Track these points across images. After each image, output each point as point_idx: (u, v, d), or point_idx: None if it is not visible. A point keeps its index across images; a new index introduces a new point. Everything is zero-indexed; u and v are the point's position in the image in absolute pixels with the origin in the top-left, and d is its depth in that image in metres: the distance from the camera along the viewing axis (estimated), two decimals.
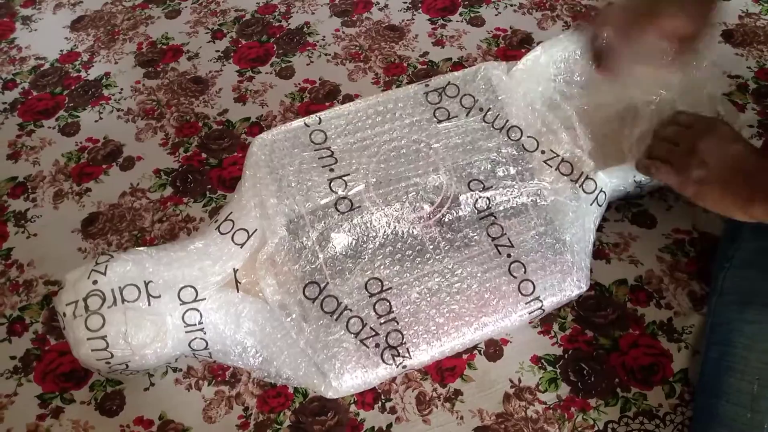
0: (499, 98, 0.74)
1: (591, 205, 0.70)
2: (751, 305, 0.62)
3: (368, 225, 0.68)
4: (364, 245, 0.68)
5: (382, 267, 0.67)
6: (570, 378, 0.68)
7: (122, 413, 0.69)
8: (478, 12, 1.09)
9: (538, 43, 1.00)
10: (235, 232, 0.67)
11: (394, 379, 0.69)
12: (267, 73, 1.02)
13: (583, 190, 0.70)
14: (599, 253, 0.77)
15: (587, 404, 0.66)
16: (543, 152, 0.72)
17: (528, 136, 0.73)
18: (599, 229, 0.78)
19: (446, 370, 0.70)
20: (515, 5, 1.09)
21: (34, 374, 0.72)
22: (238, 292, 0.66)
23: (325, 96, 0.98)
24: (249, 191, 0.69)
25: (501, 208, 0.70)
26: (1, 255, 0.83)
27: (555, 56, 0.77)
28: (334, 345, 0.64)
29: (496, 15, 1.08)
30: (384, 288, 0.67)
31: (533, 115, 0.74)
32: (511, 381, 0.68)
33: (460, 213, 0.70)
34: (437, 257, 0.68)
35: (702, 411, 0.62)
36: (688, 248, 0.77)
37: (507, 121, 0.73)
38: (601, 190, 0.70)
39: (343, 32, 1.08)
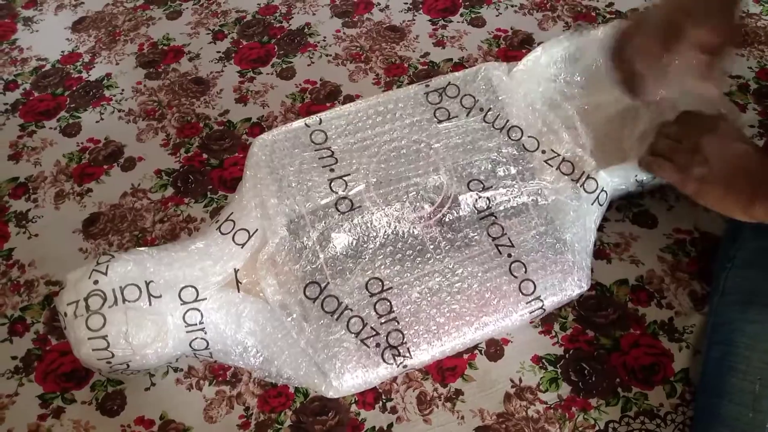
0: (500, 98, 0.74)
1: (592, 204, 0.70)
2: (753, 305, 0.62)
3: (369, 225, 0.68)
4: (365, 245, 0.68)
5: (382, 267, 0.67)
6: (571, 378, 0.68)
7: (123, 413, 0.69)
8: (479, 13, 1.09)
9: (538, 44, 1.00)
10: (235, 233, 0.67)
11: (395, 379, 0.69)
12: (268, 74, 1.02)
13: (584, 189, 0.70)
14: (600, 253, 0.77)
15: (588, 404, 0.66)
16: (543, 152, 0.72)
17: (528, 136, 0.73)
18: (600, 228, 0.78)
19: (447, 369, 0.70)
20: (516, 6, 1.09)
21: (35, 374, 0.72)
22: (239, 292, 0.66)
23: (326, 97, 0.98)
24: (250, 191, 0.69)
25: (501, 207, 0.70)
26: (2, 255, 0.83)
27: (555, 56, 0.77)
28: (335, 345, 0.64)
29: (497, 16, 1.08)
30: (384, 288, 0.67)
31: (534, 115, 0.74)
32: (511, 381, 0.68)
33: (461, 213, 0.70)
34: (438, 257, 0.68)
35: (703, 411, 0.62)
36: (689, 248, 0.77)
37: (507, 121, 0.73)
38: (602, 190, 0.70)
39: (344, 33, 1.08)
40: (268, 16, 1.12)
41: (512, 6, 1.09)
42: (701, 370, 0.65)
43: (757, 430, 0.56)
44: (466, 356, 0.70)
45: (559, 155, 0.72)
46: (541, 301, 0.67)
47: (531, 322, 0.72)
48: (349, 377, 0.64)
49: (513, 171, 0.72)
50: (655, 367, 0.68)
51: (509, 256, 0.69)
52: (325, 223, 0.68)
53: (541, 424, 0.65)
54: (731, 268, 0.67)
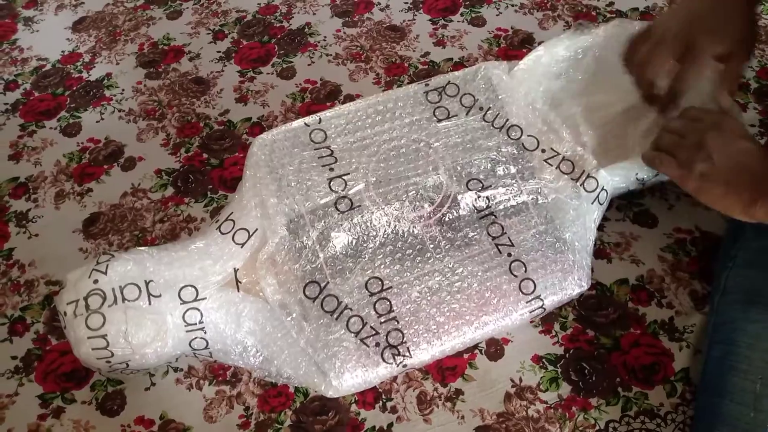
0: (500, 97, 0.74)
1: (592, 203, 0.70)
2: (755, 304, 0.62)
3: (368, 224, 0.68)
4: (365, 244, 0.68)
5: (382, 266, 0.67)
6: (571, 377, 0.68)
7: (123, 413, 0.69)
8: (479, 12, 1.09)
9: (539, 43, 1.00)
10: (235, 232, 0.67)
11: (395, 379, 0.69)
12: (268, 74, 1.02)
13: (584, 188, 0.70)
14: (600, 252, 0.77)
15: (588, 403, 0.66)
16: (543, 151, 0.72)
17: (528, 135, 0.73)
18: (600, 228, 0.78)
19: (447, 369, 0.70)
20: (516, 5, 1.09)
21: (35, 374, 0.72)
22: (238, 291, 0.66)
23: (326, 96, 0.98)
24: (249, 191, 0.69)
25: (501, 207, 0.70)
26: (2, 255, 0.83)
27: (558, 55, 0.77)
28: (335, 344, 0.64)
29: (497, 15, 1.08)
30: (384, 287, 0.67)
31: (534, 114, 0.74)
32: (512, 380, 0.68)
33: (461, 212, 0.70)
34: (437, 256, 0.68)
35: (704, 410, 0.62)
36: (690, 247, 0.77)
37: (507, 120, 0.73)
38: (602, 189, 0.70)
39: (344, 32, 1.08)
40: (268, 16, 1.12)
41: (512, 5, 1.09)
42: (702, 370, 0.65)
43: (759, 430, 0.56)
44: (466, 356, 0.70)
45: (559, 154, 0.72)
46: (541, 300, 0.67)
47: (531, 322, 0.72)
48: (349, 377, 0.64)
49: (513, 170, 0.71)
50: (655, 367, 0.68)
51: (509, 255, 0.69)
52: (324, 222, 0.68)
53: (541, 423, 0.65)
54: (733, 267, 0.67)
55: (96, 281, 0.62)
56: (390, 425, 0.66)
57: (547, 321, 0.72)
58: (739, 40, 0.67)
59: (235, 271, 0.67)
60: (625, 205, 0.81)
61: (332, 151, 0.71)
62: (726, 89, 0.71)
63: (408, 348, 0.65)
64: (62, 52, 1.10)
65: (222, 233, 0.68)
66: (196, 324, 0.64)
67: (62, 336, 0.73)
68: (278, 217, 0.68)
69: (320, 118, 0.73)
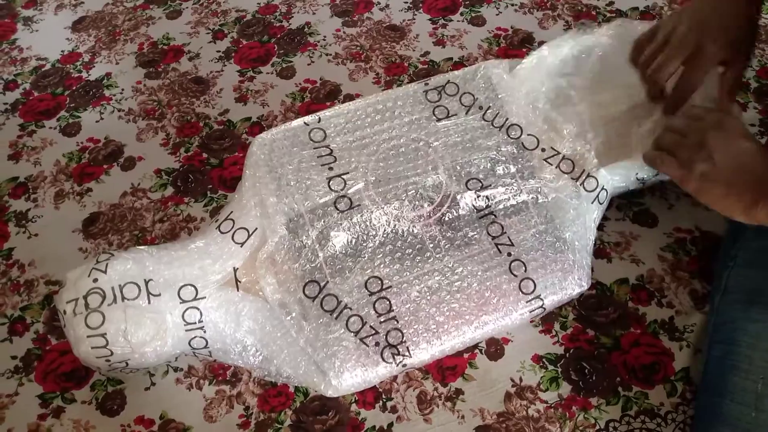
0: (499, 96, 0.74)
1: (592, 203, 0.70)
2: (756, 304, 0.62)
3: (368, 223, 0.68)
4: (364, 244, 0.68)
5: (382, 265, 0.67)
6: (571, 377, 0.68)
7: (123, 413, 0.69)
8: (479, 12, 1.09)
9: (539, 43, 1.00)
10: (235, 231, 0.67)
11: (395, 379, 0.69)
12: (268, 73, 1.02)
13: (584, 188, 0.70)
14: (600, 252, 0.77)
15: (588, 403, 0.66)
16: (543, 150, 0.72)
17: (528, 135, 0.73)
18: (600, 227, 0.78)
19: (447, 369, 0.70)
20: (516, 5, 1.09)
21: (35, 374, 0.72)
22: (238, 290, 0.66)
23: (325, 96, 0.98)
24: (249, 190, 0.69)
25: (501, 206, 0.70)
26: (2, 255, 0.83)
27: (561, 54, 0.77)
28: (334, 343, 0.64)
29: (497, 15, 1.08)
30: (384, 287, 0.67)
31: (534, 113, 0.74)
32: (512, 380, 0.68)
33: (460, 212, 0.70)
34: (437, 256, 0.68)
35: (705, 410, 0.62)
36: (690, 247, 0.77)
37: (507, 119, 0.73)
38: (602, 188, 0.70)
39: (344, 32, 1.08)
40: (268, 16, 1.12)
41: (512, 5, 1.09)
42: (703, 369, 0.64)
43: (760, 430, 0.56)
44: (466, 355, 0.70)
45: (559, 153, 0.72)
46: (541, 300, 0.67)
47: (531, 321, 0.72)
48: (349, 376, 0.64)
49: (512, 169, 0.71)
50: (655, 366, 0.68)
51: (509, 254, 0.68)
52: (324, 221, 0.68)
53: (541, 423, 0.65)
54: (733, 266, 0.67)
55: (96, 280, 0.62)
56: (390, 425, 0.66)
57: (547, 321, 0.72)
58: (739, 44, 0.68)
59: (235, 270, 0.67)
60: (625, 205, 0.81)
61: (332, 150, 0.71)
62: (726, 93, 0.71)
63: (407, 347, 0.65)
64: (62, 51, 1.10)
65: (221, 232, 0.68)
66: (195, 323, 0.64)
67: (62, 336, 0.73)
68: (278, 216, 0.68)
69: (320, 117, 0.73)
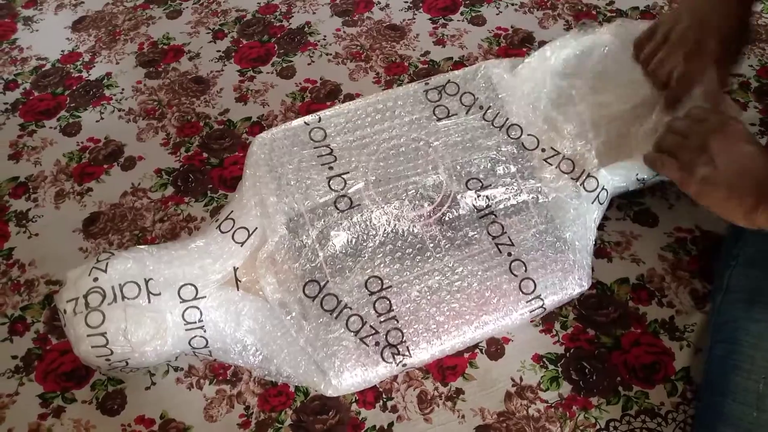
0: (500, 96, 0.74)
1: (592, 203, 0.70)
2: (758, 303, 0.62)
3: (368, 223, 0.68)
4: (364, 243, 0.68)
5: (382, 265, 0.67)
6: (572, 376, 0.68)
7: (123, 412, 0.69)
8: (479, 11, 1.09)
9: (539, 42, 1.00)
10: (235, 231, 0.67)
11: (395, 378, 0.69)
12: (268, 73, 1.02)
13: (584, 188, 0.70)
14: (601, 251, 0.77)
15: (589, 403, 0.66)
16: (543, 150, 0.72)
17: (528, 135, 0.73)
18: (601, 227, 0.78)
19: (447, 368, 0.70)
20: (516, 4, 1.09)
21: (36, 374, 0.72)
22: (238, 290, 0.66)
23: (326, 95, 0.98)
24: (249, 190, 0.69)
25: (501, 206, 0.70)
26: (2, 255, 0.83)
27: (563, 54, 0.77)
28: (334, 343, 0.64)
29: (497, 14, 1.08)
30: (384, 286, 0.67)
31: (534, 113, 0.74)
32: (512, 380, 0.68)
33: (460, 211, 0.70)
34: (437, 255, 0.68)
35: (707, 409, 0.62)
36: (690, 246, 0.77)
37: (507, 119, 0.73)
38: (603, 188, 0.70)
39: (344, 32, 1.08)
40: (268, 15, 1.12)
41: (512, 4, 1.09)
42: (704, 369, 0.64)
43: (762, 430, 0.56)
44: (466, 355, 0.70)
45: (559, 153, 0.72)
46: (542, 299, 0.67)
47: (531, 321, 0.72)
48: (348, 376, 0.64)
49: (513, 169, 0.71)
50: (656, 366, 0.68)
51: (509, 254, 0.68)
52: (324, 221, 0.68)
53: (541, 422, 0.65)
54: (735, 266, 0.67)
55: (96, 279, 0.62)
56: (390, 424, 0.66)
57: (547, 320, 0.72)
58: (729, 43, 0.68)
59: (235, 269, 0.67)
60: (625, 204, 0.80)
61: (332, 149, 0.71)
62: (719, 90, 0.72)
63: (407, 347, 0.65)
64: (62, 51, 1.10)
65: (222, 232, 0.68)
66: (195, 322, 0.64)
67: (62, 335, 0.73)
68: (278, 215, 0.68)
69: (320, 117, 0.73)
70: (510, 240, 0.69)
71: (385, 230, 0.68)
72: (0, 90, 1.04)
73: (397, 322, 0.65)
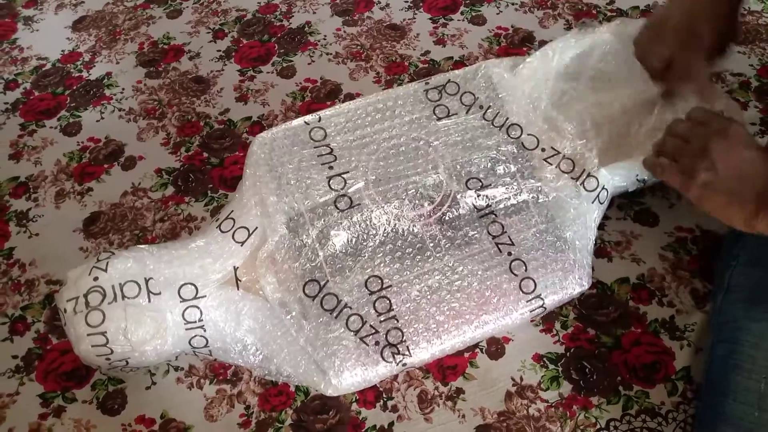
0: (500, 96, 0.74)
1: (592, 202, 0.70)
2: (759, 303, 0.62)
3: (368, 223, 0.68)
4: (364, 243, 0.68)
5: (382, 265, 0.67)
6: (572, 376, 0.68)
7: (124, 412, 0.69)
8: (480, 11, 1.08)
9: (540, 42, 1.00)
10: (235, 231, 0.67)
11: (395, 378, 0.69)
12: (268, 73, 1.02)
13: (584, 187, 0.70)
14: (601, 251, 0.77)
15: (589, 402, 0.66)
16: (543, 150, 0.72)
17: (528, 134, 0.73)
18: (601, 227, 0.77)
19: (448, 368, 0.69)
20: (516, 4, 1.09)
21: (36, 373, 0.72)
22: (238, 289, 0.66)
23: (326, 95, 0.98)
24: (249, 190, 0.69)
25: (501, 206, 0.70)
26: (2, 254, 0.83)
27: (562, 54, 0.77)
28: (334, 343, 0.64)
29: (498, 14, 1.08)
30: (384, 286, 0.67)
31: (534, 113, 0.74)
32: (512, 379, 0.68)
33: (461, 211, 0.70)
34: (437, 255, 0.68)
35: (708, 409, 0.62)
36: (691, 246, 0.77)
37: (507, 119, 0.73)
38: (603, 188, 0.70)
39: (345, 31, 1.08)
40: (268, 15, 1.12)
41: (513, 4, 1.09)
42: (705, 368, 0.64)
43: (763, 429, 0.56)
44: (467, 355, 0.70)
45: (559, 153, 0.72)
46: (542, 299, 0.67)
47: (532, 321, 0.72)
48: (348, 375, 0.64)
49: (513, 169, 0.71)
50: (656, 366, 0.68)
51: (509, 254, 0.68)
52: (324, 220, 0.68)
53: (542, 422, 0.65)
54: (736, 265, 0.66)
55: (96, 278, 0.62)
56: (391, 424, 0.66)
57: (547, 320, 0.72)
58: (723, 34, 0.68)
59: (235, 269, 0.67)
60: (626, 204, 0.80)
61: (332, 149, 0.71)
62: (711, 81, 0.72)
63: (407, 347, 0.65)
64: (62, 51, 1.10)
65: (222, 231, 0.68)
66: (195, 322, 0.64)
67: (63, 335, 0.73)
68: (278, 215, 0.68)
69: (320, 117, 0.73)
70: (510, 239, 0.69)
71: (385, 230, 0.68)
72: (0, 90, 1.04)
73: (397, 321, 0.65)
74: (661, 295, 0.73)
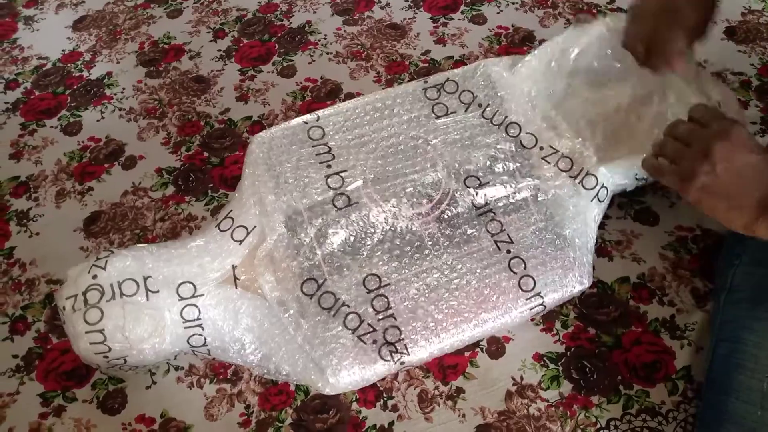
0: (499, 94, 0.74)
1: (591, 201, 0.69)
2: (762, 302, 0.62)
3: (366, 221, 0.68)
4: (362, 241, 0.68)
5: (380, 263, 0.67)
6: (572, 375, 0.68)
7: (124, 411, 0.69)
8: (480, 10, 1.08)
9: (540, 41, 1.00)
10: (234, 230, 0.67)
11: (396, 377, 0.69)
12: (269, 72, 1.02)
13: (583, 186, 0.69)
14: (602, 250, 0.77)
15: (590, 402, 0.66)
16: (542, 148, 0.72)
17: (527, 133, 0.72)
18: (602, 226, 0.77)
19: (448, 367, 0.69)
20: (517, 3, 1.09)
21: (36, 373, 0.72)
22: (236, 288, 0.66)
23: (326, 94, 0.98)
24: (248, 189, 0.69)
25: (500, 204, 0.70)
26: (3, 254, 0.83)
27: (560, 52, 0.77)
28: (332, 341, 0.64)
29: (498, 13, 1.08)
30: (382, 284, 0.67)
31: (533, 111, 0.74)
32: (513, 378, 0.68)
33: (459, 209, 0.69)
34: (436, 253, 0.68)
35: (710, 408, 0.62)
36: (691, 245, 0.76)
37: (506, 117, 0.73)
38: (602, 186, 0.70)
39: (345, 31, 1.08)
40: (268, 15, 1.12)
41: (513, 3, 1.09)
42: (707, 367, 0.64)
43: (766, 428, 0.56)
44: (467, 354, 0.70)
45: (557, 151, 0.72)
46: (542, 297, 0.67)
47: (532, 320, 0.72)
48: (346, 374, 0.64)
49: (511, 167, 0.71)
50: (656, 365, 0.68)
51: (508, 252, 0.68)
52: (322, 219, 0.68)
53: (542, 421, 0.65)
54: (739, 265, 0.66)
55: (95, 276, 0.63)
56: (391, 423, 0.66)
57: (548, 319, 0.72)
58: (703, 12, 0.68)
59: (234, 268, 0.67)
60: (626, 203, 0.80)
61: (330, 148, 0.71)
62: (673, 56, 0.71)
63: (405, 345, 0.64)
64: (63, 51, 1.10)
65: (221, 231, 0.68)
66: (193, 320, 0.64)
67: (63, 335, 0.73)
68: (276, 214, 0.68)
69: (318, 116, 0.73)
70: (509, 237, 0.69)
71: (383, 228, 0.68)
72: (1, 89, 1.04)
73: (395, 319, 0.65)
74: (662, 295, 0.73)
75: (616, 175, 0.70)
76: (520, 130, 0.73)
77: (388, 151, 0.71)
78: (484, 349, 0.70)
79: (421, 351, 0.65)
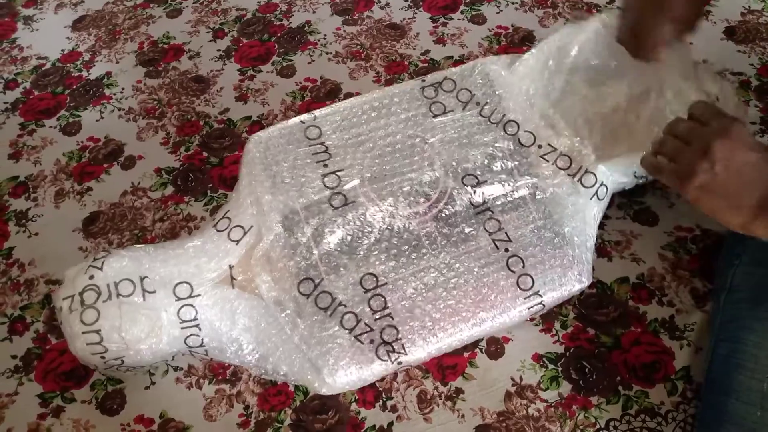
0: (497, 93, 0.74)
1: (590, 199, 0.69)
2: (763, 303, 0.61)
3: (363, 220, 0.68)
4: (359, 241, 0.68)
5: (377, 262, 0.67)
6: (572, 376, 0.68)
7: (123, 412, 0.69)
8: (480, 10, 1.08)
9: (539, 41, 1.00)
10: (231, 230, 0.67)
11: (395, 378, 0.69)
12: (268, 72, 1.02)
13: (582, 184, 0.69)
14: (601, 250, 0.76)
15: (589, 402, 0.66)
16: (540, 146, 0.72)
17: (525, 131, 0.72)
18: (601, 226, 0.77)
19: (447, 368, 0.69)
20: (517, 3, 1.09)
21: (35, 373, 0.72)
22: (233, 288, 0.66)
23: (326, 94, 0.98)
24: (245, 189, 0.69)
25: (498, 202, 0.70)
26: (2, 254, 0.83)
27: (557, 50, 0.77)
28: (328, 341, 0.64)
29: (498, 13, 1.08)
30: (379, 284, 0.66)
31: (531, 110, 0.74)
32: (512, 379, 0.68)
33: (457, 208, 0.69)
34: (433, 252, 0.68)
35: (710, 408, 0.62)
36: (691, 245, 0.76)
37: (504, 115, 0.73)
38: (601, 184, 0.69)
39: (344, 31, 1.08)
40: (268, 14, 1.12)
41: (513, 3, 1.09)
42: (707, 368, 0.64)
43: (766, 429, 0.56)
44: (466, 354, 0.70)
45: (556, 150, 0.71)
46: (540, 296, 0.67)
47: (532, 320, 0.71)
48: (343, 374, 0.63)
49: (509, 165, 0.71)
50: (656, 365, 0.68)
51: (506, 250, 0.68)
52: (319, 218, 0.67)
53: (541, 422, 0.65)
54: (739, 265, 0.66)
55: (92, 277, 0.63)
56: (390, 424, 0.66)
57: (547, 319, 0.72)
58: (692, 6, 0.68)
59: (230, 268, 0.67)
60: (625, 203, 0.80)
61: (327, 147, 0.71)
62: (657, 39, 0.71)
63: (403, 345, 0.64)
64: (62, 50, 1.10)
65: (218, 231, 0.68)
66: (190, 320, 0.64)
67: (62, 335, 0.72)
68: (273, 213, 0.68)
69: (315, 115, 0.73)
70: (507, 236, 0.69)
71: (380, 227, 0.68)
72: (0, 89, 1.04)
73: (393, 319, 0.65)
74: (661, 295, 0.73)
75: (615, 173, 0.70)
76: (519, 128, 0.72)
77: (386, 150, 0.71)
78: (483, 350, 0.70)
79: (419, 351, 0.65)
